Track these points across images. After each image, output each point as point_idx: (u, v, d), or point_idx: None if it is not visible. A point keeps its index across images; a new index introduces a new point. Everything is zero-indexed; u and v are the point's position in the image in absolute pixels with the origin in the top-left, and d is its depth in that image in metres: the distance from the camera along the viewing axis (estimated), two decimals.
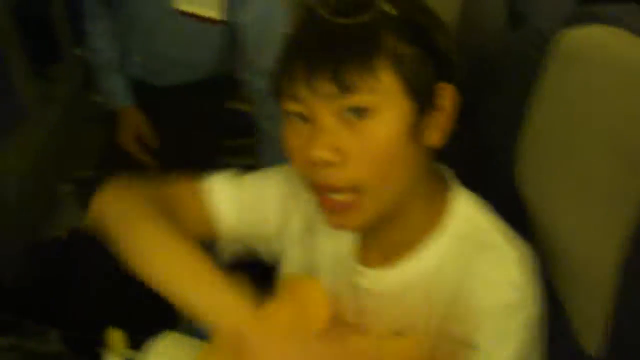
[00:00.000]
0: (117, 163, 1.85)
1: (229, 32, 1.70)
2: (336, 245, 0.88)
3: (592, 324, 0.73)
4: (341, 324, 0.84)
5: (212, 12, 1.64)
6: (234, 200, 0.91)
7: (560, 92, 0.78)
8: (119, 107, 1.82)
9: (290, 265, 0.93)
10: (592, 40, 0.75)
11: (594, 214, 0.70)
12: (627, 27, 0.72)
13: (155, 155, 1.83)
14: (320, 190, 0.75)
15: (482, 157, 1.00)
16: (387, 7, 0.72)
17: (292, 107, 0.74)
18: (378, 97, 0.70)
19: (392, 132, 0.71)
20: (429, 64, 0.73)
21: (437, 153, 0.79)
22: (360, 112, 0.70)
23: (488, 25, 1.09)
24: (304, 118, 0.73)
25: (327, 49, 0.70)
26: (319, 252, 0.90)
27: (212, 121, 1.97)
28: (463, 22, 1.09)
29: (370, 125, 0.71)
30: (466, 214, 0.80)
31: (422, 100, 0.73)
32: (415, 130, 0.73)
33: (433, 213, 0.80)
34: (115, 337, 0.97)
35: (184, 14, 1.63)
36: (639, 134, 0.62)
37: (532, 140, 0.85)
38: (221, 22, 1.65)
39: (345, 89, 0.69)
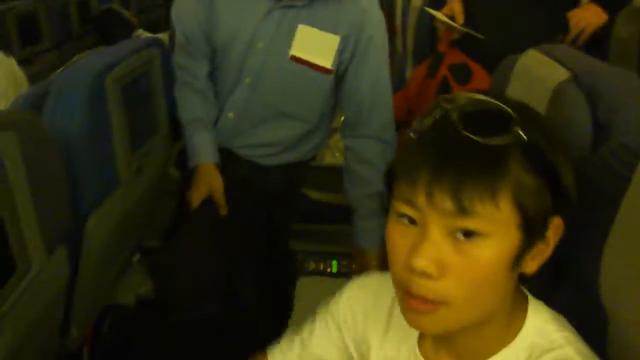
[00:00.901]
0: (182, 236, 1.90)
1: (338, 84, 1.77)
2: (409, 348, 0.89)
3: None
4: None
5: (325, 61, 1.70)
6: None
7: None
8: (200, 163, 1.80)
9: None
10: None
11: None
12: None
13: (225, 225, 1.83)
14: (409, 295, 0.74)
15: (562, 270, 1.01)
16: (521, 134, 0.71)
17: (406, 210, 0.73)
18: (492, 224, 0.70)
19: (496, 259, 0.71)
20: (548, 197, 0.73)
21: None
22: (470, 234, 0.70)
23: (571, 138, 1.10)
24: (414, 222, 0.73)
25: (453, 165, 0.70)
26: (392, 352, 0.91)
27: (287, 203, 2.01)
28: None
29: (476, 248, 0.71)
30: (540, 327, 0.80)
31: (532, 231, 0.73)
32: (517, 258, 0.73)
33: (509, 325, 0.81)
34: None
35: (298, 61, 1.70)
36: None
37: (619, 254, 0.84)
38: (333, 71, 1.73)
39: (462, 210, 0.69)
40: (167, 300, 1.75)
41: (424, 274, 0.71)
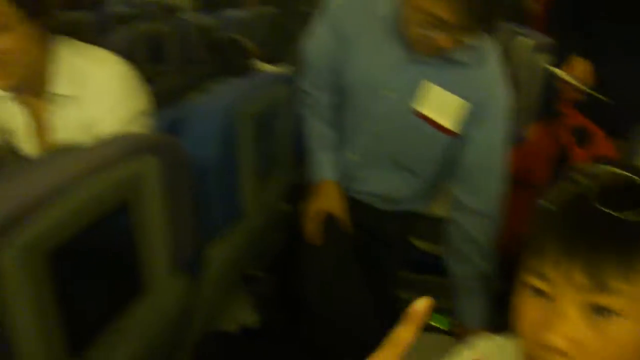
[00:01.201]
0: (288, 269, 1.92)
1: (455, 147, 1.73)
2: None
3: None
4: None
5: (448, 122, 1.68)
6: None
7: None
8: (323, 180, 1.80)
9: None
10: None
11: None
12: None
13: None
14: None
15: None
16: None
17: (535, 283, 0.72)
18: (629, 301, 0.67)
19: (634, 340, 0.69)
20: None
21: None
22: (607, 311, 0.68)
23: None
24: (545, 295, 0.72)
25: (584, 237, 0.68)
26: None
27: (400, 248, 2.00)
28: None
29: (613, 326, 0.68)
30: None
31: None
32: None
33: None
34: None
35: (421, 117, 1.69)
36: None
37: None
38: (453, 133, 1.70)
39: (598, 286, 0.67)
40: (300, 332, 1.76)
41: (560, 352, 0.69)
